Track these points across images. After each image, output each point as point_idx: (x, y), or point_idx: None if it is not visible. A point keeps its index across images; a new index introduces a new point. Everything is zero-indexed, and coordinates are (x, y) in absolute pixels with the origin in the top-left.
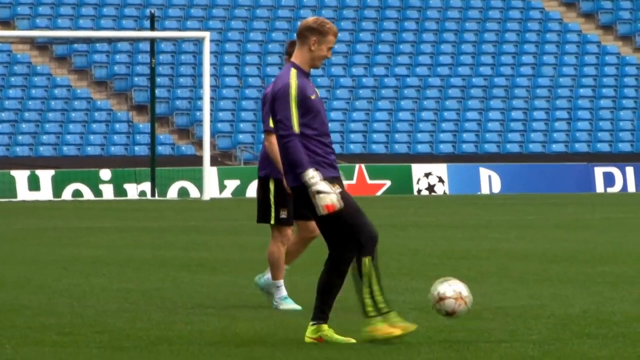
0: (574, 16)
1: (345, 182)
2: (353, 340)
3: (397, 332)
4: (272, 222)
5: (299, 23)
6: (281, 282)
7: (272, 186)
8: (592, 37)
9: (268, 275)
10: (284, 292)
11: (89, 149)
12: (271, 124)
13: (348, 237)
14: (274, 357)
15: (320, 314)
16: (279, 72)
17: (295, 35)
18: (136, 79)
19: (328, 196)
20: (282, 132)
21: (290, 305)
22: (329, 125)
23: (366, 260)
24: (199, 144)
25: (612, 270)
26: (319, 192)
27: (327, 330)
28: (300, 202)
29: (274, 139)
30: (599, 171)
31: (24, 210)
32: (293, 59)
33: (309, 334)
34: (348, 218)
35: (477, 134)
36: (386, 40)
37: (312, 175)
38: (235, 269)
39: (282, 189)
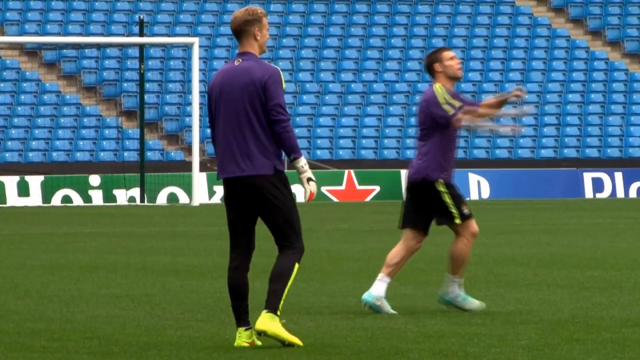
0: (563, 22)
1: (331, 188)
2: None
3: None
4: (458, 221)
5: (287, 29)
6: (462, 280)
7: (442, 187)
8: (580, 43)
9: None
10: (462, 290)
11: (78, 154)
12: None
13: (297, 235)
14: None
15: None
16: (254, 64)
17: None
18: (125, 84)
19: (315, 185)
20: (283, 117)
21: (474, 303)
22: (318, 130)
23: (297, 266)
24: (188, 149)
25: (600, 275)
26: (310, 179)
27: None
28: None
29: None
30: (587, 176)
31: (13, 216)
32: (250, 51)
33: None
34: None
35: (466, 140)
36: (375, 46)
37: (305, 162)
38: (225, 275)
39: (452, 186)
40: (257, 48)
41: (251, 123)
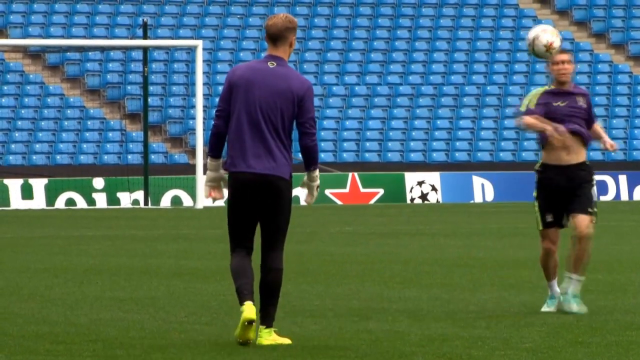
0: (567, 24)
1: (334, 190)
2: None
3: (287, 341)
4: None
5: None
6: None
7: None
8: (584, 46)
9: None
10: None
11: (82, 157)
12: None
13: (284, 242)
14: None
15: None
16: (290, 72)
17: (267, 39)
18: (129, 87)
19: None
20: (314, 130)
21: (575, 305)
22: (322, 133)
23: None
24: (192, 152)
25: (604, 278)
26: (318, 189)
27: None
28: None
29: None
30: None
31: (16, 219)
32: (284, 57)
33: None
34: None
35: (470, 142)
36: (379, 49)
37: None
38: (228, 278)
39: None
40: (287, 55)
41: (278, 128)
